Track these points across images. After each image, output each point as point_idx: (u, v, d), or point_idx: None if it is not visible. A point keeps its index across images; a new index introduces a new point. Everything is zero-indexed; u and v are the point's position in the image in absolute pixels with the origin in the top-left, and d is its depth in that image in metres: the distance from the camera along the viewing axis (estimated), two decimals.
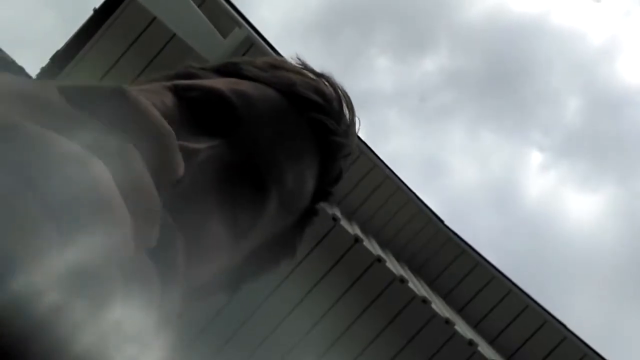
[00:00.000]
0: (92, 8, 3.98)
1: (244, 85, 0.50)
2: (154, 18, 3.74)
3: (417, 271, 4.71)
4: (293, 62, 0.56)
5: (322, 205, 0.57)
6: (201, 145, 0.43)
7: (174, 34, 3.71)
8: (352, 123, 0.55)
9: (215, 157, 0.44)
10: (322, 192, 0.55)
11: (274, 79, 0.52)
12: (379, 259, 3.79)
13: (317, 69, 0.55)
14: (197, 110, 0.46)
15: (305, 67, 0.56)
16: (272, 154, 0.48)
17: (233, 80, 0.51)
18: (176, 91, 0.47)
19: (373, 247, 4.06)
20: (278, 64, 0.55)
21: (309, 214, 0.56)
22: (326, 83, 0.54)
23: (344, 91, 0.55)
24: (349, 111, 0.55)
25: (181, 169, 0.31)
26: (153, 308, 0.26)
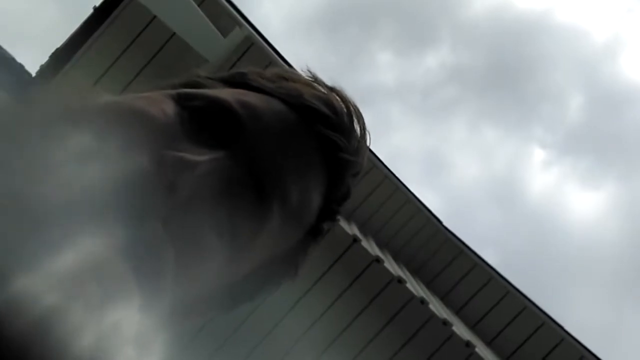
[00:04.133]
0: (92, 6, 3.97)
1: (250, 97, 0.48)
2: (154, 17, 3.73)
3: (416, 272, 4.71)
4: (303, 74, 0.53)
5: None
6: (202, 157, 0.41)
7: (174, 33, 3.70)
8: (363, 140, 0.52)
9: (216, 170, 0.42)
10: (329, 210, 0.53)
11: (282, 90, 0.50)
12: (378, 259, 3.79)
13: (329, 83, 0.53)
14: (201, 120, 0.45)
15: (316, 79, 0.53)
16: (275, 166, 0.46)
17: (240, 91, 0.50)
18: (179, 100, 0.45)
19: (371, 247, 4.05)
20: (287, 76, 0.52)
21: (314, 233, 0.53)
22: (337, 97, 0.52)
23: (355, 106, 0.52)
24: (359, 127, 0.52)
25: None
26: (132, 315, 0.26)
